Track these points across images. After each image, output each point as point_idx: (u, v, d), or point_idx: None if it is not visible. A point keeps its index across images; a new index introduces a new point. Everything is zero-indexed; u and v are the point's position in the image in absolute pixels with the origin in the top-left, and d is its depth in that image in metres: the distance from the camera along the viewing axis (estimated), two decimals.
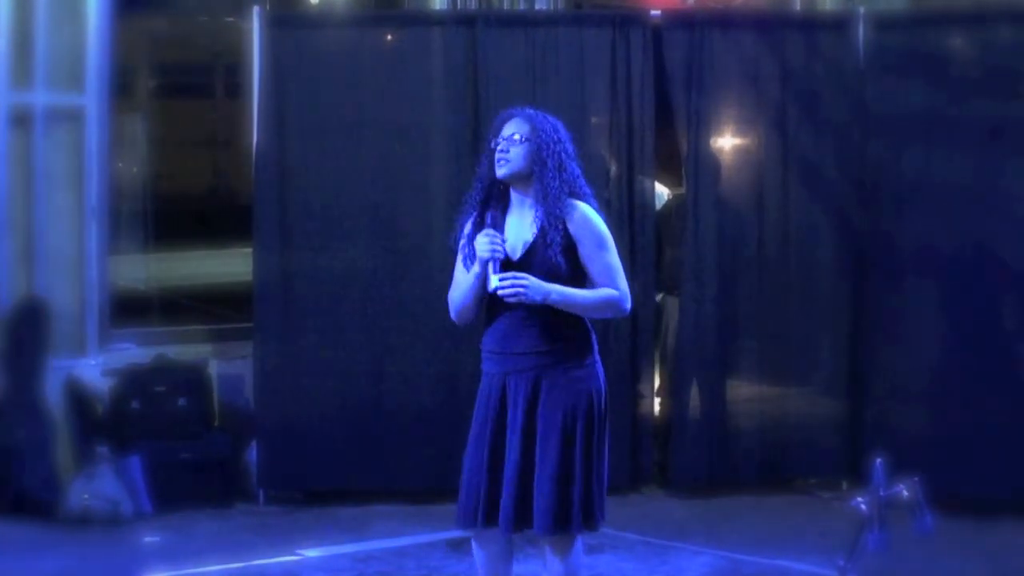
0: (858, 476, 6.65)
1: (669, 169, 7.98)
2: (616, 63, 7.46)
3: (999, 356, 7.16)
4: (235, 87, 8.53)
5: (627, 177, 7.52)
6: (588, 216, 4.59)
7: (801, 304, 7.55)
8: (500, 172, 4.59)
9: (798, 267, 7.55)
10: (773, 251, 7.55)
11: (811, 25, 7.83)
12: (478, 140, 7.28)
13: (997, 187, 7.19)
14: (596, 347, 4.68)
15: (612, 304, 4.60)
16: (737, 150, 7.76)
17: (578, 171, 4.65)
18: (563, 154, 4.60)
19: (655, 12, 7.60)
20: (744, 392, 7.69)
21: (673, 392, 7.66)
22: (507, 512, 4.56)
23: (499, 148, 4.58)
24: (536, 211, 4.58)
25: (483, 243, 4.54)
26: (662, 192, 8.03)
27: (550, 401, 4.55)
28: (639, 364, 7.47)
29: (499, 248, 4.53)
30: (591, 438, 4.57)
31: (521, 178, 4.59)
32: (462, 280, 4.67)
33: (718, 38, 7.50)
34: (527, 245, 4.58)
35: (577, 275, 4.60)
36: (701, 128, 7.53)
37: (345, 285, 7.43)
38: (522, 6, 8.56)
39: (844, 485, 7.43)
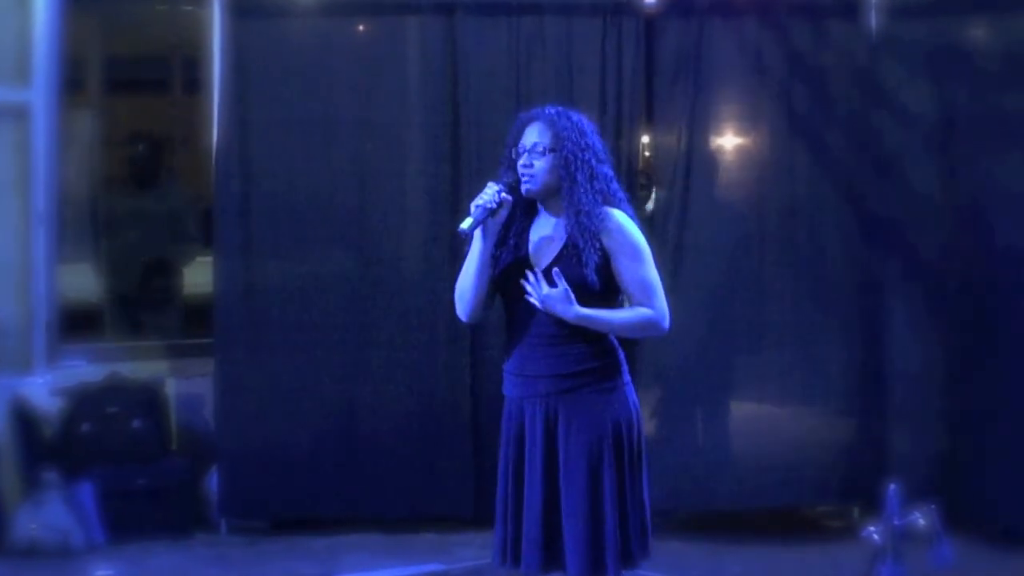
0: (870, 503, 6.44)
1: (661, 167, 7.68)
2: (606, 55, 7.26)
3: (1019, 375, 6.91)
4: (194, 81, 8.40)
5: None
6: (623, 226, 4.40)
7: (807, 318, 7.30)
8: (527, 190, 4.39)
9: (804, 278, 7.30)
10: (776, 259, 7.31)
11: (819, 11, 7.53)
12: (457, 138, 7.26)
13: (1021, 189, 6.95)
14: (625, 369, 4.49)
15: (648, 325, 4.42)
16: (737, 148, 7.53)
17: (610, 173, 4.52)
18: (593, 160, 4.41)
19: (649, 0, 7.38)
20: (744, 413, 7.48)
21: (667, 414, 7.36)
22: (531, 553, 4.42)
23: (521, 163, 4.39)
24: (566, 223, 4.38)
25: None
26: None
27: (572, 431, 4.37)
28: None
29: (494, 198, 4.32)
30: (622, 469, 4.36)
31: (549, 193, 4.40)
32: (470, 256, 4.45)
33: (718, 26, 7.29)
34: (554, 256, 4.39)
35: (609, 291, 4.42)
36: (697, 124, 7.31)
37: (314, 296, 7.27)
38: None
39: (855, 513, 7.24)
